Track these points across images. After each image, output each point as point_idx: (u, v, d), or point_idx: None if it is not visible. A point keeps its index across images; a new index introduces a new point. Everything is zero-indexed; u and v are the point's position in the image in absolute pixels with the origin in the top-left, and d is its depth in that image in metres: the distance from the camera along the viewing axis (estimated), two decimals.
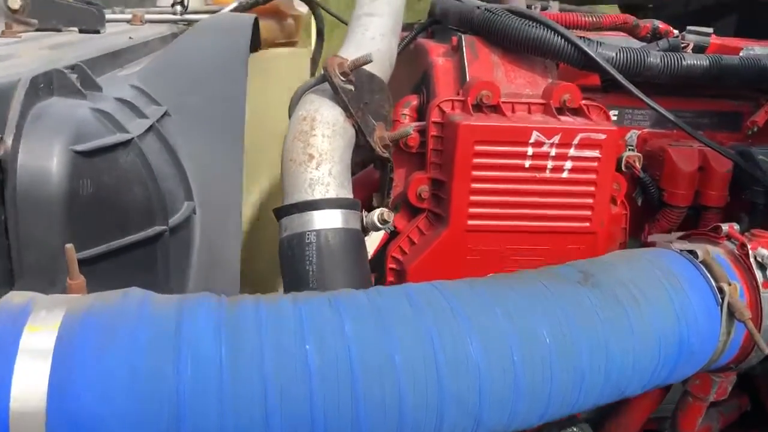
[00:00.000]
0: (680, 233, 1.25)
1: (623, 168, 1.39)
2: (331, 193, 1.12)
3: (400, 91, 1.79)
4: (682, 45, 1.42)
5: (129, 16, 2.31)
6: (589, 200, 1.26)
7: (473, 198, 1.23)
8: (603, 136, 1.23)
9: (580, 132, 1.22)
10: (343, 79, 1.20)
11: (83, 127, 0.99)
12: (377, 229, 1.20)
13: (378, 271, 1.34)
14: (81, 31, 1.69)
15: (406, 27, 2.09)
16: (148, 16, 2.31)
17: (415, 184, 1.29)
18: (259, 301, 0.81)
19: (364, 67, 1.27)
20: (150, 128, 1.18)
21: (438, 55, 1.49)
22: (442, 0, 1.61)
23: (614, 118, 1.50)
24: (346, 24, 2.43)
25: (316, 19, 2.64)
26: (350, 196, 1.16)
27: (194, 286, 1.21)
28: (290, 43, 2.87)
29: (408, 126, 1.26)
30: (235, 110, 1.37)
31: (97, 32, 1.70)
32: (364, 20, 1.49)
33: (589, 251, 1.28)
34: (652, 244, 1.36)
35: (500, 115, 1.26)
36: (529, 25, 1.36)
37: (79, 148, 0.96)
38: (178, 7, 2.32)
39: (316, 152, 1.14)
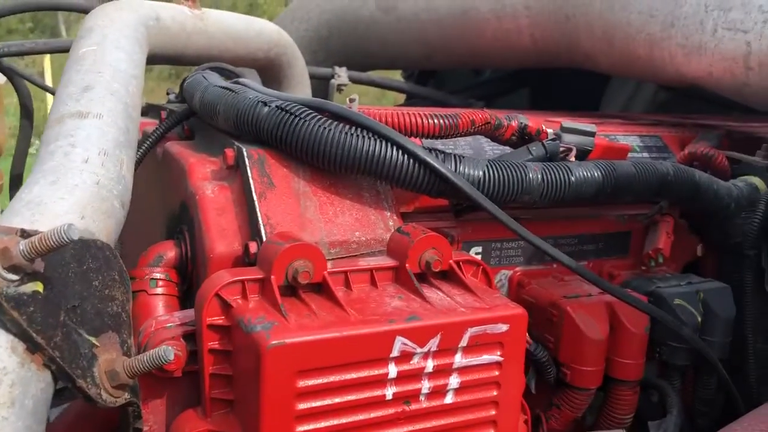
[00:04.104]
0: None
1: None
2: None
3: (144, 225, 1.17)
4: (561, 150, 1.00)
5: None
6: (490, 431, 0.75)
7: None
8: (504, 327, 0.73)
9: (470, 326, 0.72)
10: (16, 278, 0.57)
11: None
12: None
13: None
14: None
15: (150, 108, 1.49)
16: None
17: None
18: None
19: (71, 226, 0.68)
20: None
21: (204, 178, 0.92)
22: (200, 84, 1.03)
23: (477, 255, 1.03)
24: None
25: (18, 93, 1.89)
26: None
27: None
28: None
29: (166, 347, 0.65)
30: None
31: None
32: (70, 126, 0.87)
33: None
34: None
35: (332, 304, 0.71)
36: (354, 135, 0.84)
37: None
38: None
39: None
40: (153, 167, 1.11)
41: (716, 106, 1.71)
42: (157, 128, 1.13)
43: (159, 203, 1.09)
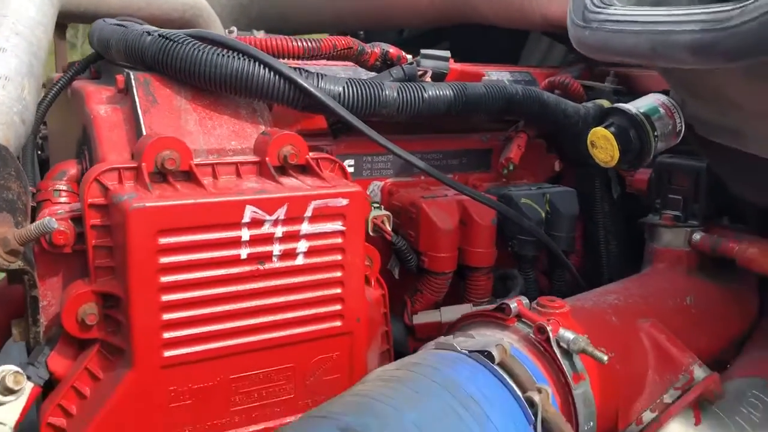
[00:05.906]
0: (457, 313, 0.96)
1: (370, 232, 1.07)
2: None
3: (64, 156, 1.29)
4: (419, 73, 1.15)
5: None
6: (337, 290, 0.90)
7: (167, 317, 0.80)
8: (345, 201, 0.88)
9: (313, 199, 0.86)
10: None
11: None
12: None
13: None
14: None
15: (71, 65, 1.60)
16: None
17: (74, 303, 0.82)
18: None
19: None
20: None
21: (99, 102, 1.04)
22: (100, 26, 1.16)
23: (350, 168, 1.18)
24: None
25: None
26: None
27: None
28: None
29: (50, 217, 0.79)
30: None
31: None
32: None
33: (345, 359, 0.92)
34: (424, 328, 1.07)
35: (195, 186, 0.85)
36: (224, 55, 0.97)
37: None
38: None
39: None
40: (65, 106, 1.23)
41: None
42: (66, 72, 1.26)
43: (71, 136, 1.21)
